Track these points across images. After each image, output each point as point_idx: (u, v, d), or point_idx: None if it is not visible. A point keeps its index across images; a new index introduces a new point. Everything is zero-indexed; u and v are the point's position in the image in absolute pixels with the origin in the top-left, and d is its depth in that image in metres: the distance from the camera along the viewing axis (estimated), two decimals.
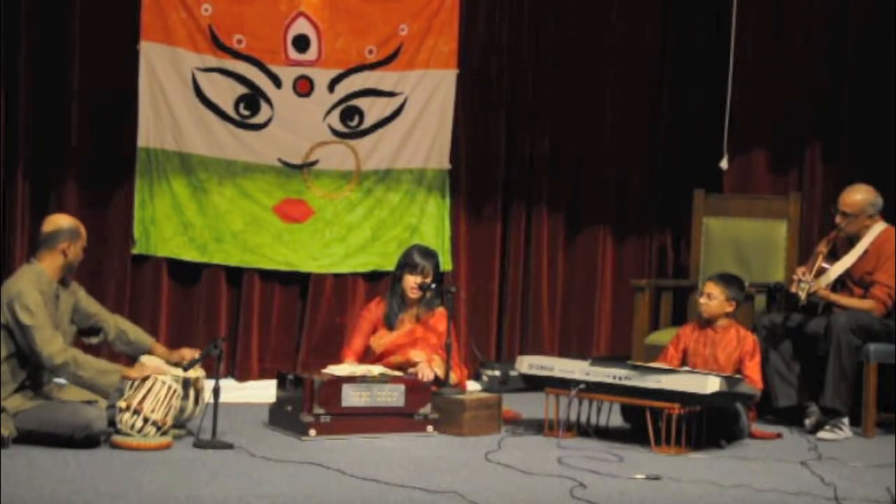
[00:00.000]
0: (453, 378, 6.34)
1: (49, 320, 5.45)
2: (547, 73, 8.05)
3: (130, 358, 5.94)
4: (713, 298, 6.37)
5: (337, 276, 7.69)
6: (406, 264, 6.51)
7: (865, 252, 6.69)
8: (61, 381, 5.67)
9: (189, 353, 5.83)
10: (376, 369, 6.16)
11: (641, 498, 4.91)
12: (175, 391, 5.55)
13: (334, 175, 7.67)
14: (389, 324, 6.50)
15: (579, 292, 8.20)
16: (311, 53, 7.55)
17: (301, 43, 7.53)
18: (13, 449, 5.26)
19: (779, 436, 6.35)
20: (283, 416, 6.03)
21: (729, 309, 6.40)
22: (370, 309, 6.62)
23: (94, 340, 5.88)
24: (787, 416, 6.65)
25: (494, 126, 7.97)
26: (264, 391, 6.80)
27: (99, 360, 5.59)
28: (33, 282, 5.48)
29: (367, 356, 6.48)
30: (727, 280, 6.45)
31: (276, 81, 7.51)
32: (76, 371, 5.43)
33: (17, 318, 5.40)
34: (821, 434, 6.36)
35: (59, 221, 5.66)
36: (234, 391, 7.01)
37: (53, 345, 5.40)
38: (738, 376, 6.04)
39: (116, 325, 5.84)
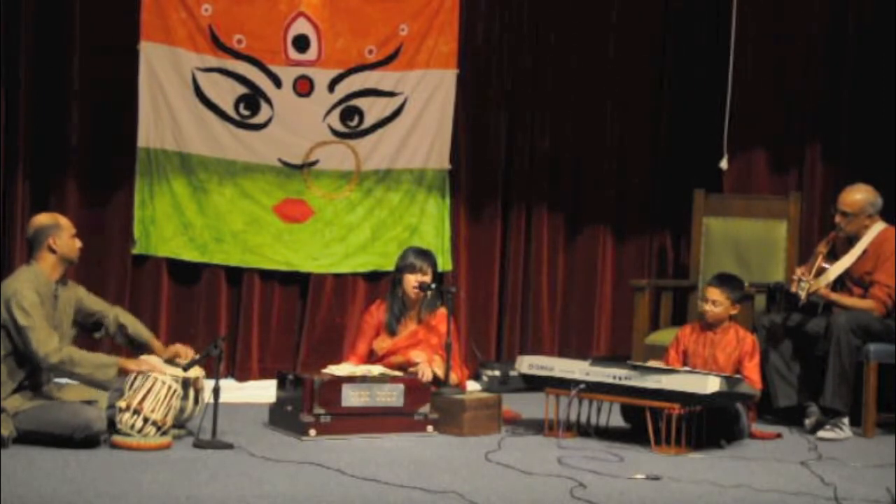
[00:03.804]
0: (453, 378, 6.34)
1: (45, 321, 5.45)
2: (547, 73, 8.05)
3: (131, 351, 5.94)
4: (718, 304, 6.36)
5: (337, 276, 7.69)
6: (404, 266, 6.51)
7: (865, 252, 6.69)
8: (61, 380, 5.67)
9: (183, 349, 5.82)
10: (376, 369, 6.16)
11: (641, 498, 4.91)
12: (175, 391, 5.55)
13: (334, 175, 7.67)
14: (391, 329, 6.50)
15: (579, 292, 8.19)
16: (311, 53, 7.55)
17: (301, 43, 7.53)
18: (13, 449, 5.26)
19: (779, 436, 6.35)
20: (283, 416, 6.03)
21: (734, 311, 6.40)
22: (371, 313, 6.61)
23: (96, 335, 5.89)
24: (787, 416, 6.65)
25: (494, 126, 7.97)
26: (264, 391, 6.80)
27: (95, 354, 5.59)
28: (30, 281, 5.48)
29: (370, 359, 6.48)
30: (729, 283, 6.43)
31: (276, 81, 7.51)
32: (73, 369, 5.44)
33: (13, 318, 5.40)
34: (821, 434, 6.37)
35: (37, 220, 5.66)
36: (234, 391, 7.01)
37: (49, 345, 5.40)
38: (737, 376, 6.04)
39: (117, 319, 5.83)
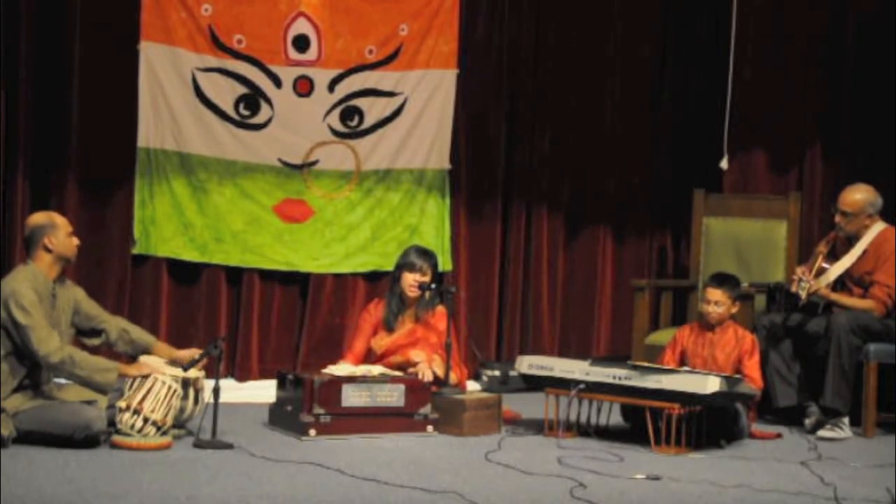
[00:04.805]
0: (453, 378, 6.34)
1: (45, 319, 5.45)
2: (547, 73, 8.05)
3: (131, 358, 5.94)
4: (721, 304, 6.36)
5: (337, 276, 7.69)
6: (404, 264, 6.52)
7: (865, 252, 6.69)
8: (61, 380, 5.67)
9: (191, 356, 5.81)
10: (376, 369, 6.16)
11: (641, 498, 4.91)
12: (175, 391, 5.55)
13: (334, 175, 7.67)
14: (389, 326, 6.50)
15: (579, 292, 8.20)
16: (311, 53, 7.55)
17: (301, 43, 7.53)
18: (13, 449, 5.26)
19: (779, 436, 6.35)
20: (283, 416, 6.03)
21: (734, 310, 6.41)
22: (369, 311, 6.62)
23: (95, 342, 5.86)
24: (787, 416, 6.65)
25: (494, 126, 7.97)
26: (264, 391, 6.80)
27: (96, 357, 5.58)
28: (28, 280, 5.48)
29: (366, 357, 6.48)
30: (728, 282, 6.44)
31: (276, 81, 7.51)
32: (73, 369, 5.43)
33: (12, 317, 5.40)
34: (821, 434, 6.37)
35: (33, 220, 5.65)
36: (234, 391, 7.01)
37: (50, 344, 5.40)
38: (737, 376, 6.04)
39: (118, 325, 5.83)
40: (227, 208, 7.49)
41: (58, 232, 5.59)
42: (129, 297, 7.32)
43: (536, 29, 8.01)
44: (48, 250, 5.56)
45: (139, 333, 5.87)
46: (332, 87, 7.59)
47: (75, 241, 5.67)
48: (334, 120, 7.64)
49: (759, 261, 7.56)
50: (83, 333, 5.82)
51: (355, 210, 7.71)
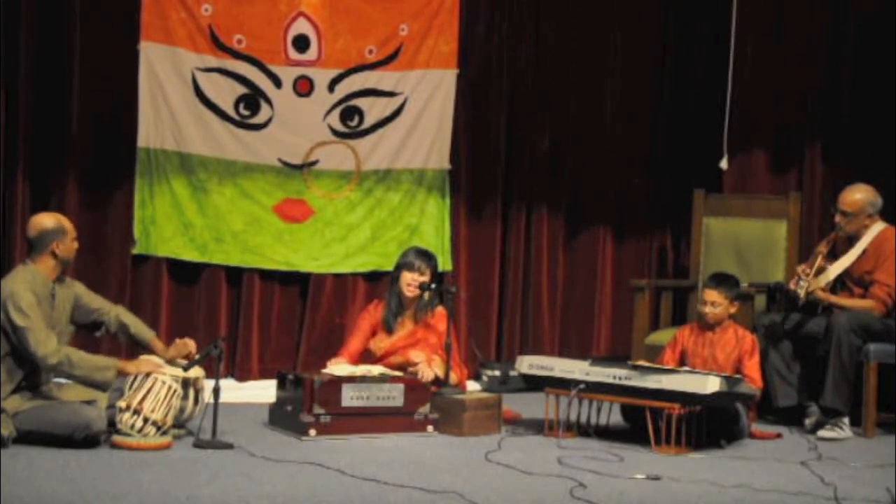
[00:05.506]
0: (453, 378, 6.34)
1: (43, 321, 5.44)
2: (547, 72, 8.05)
3: (129, 351, 5.93)
4: (718, 305, 6.36)
5: (337, 276, 7.69)
6: (403, 264, 6.52)
7: (864, 252, 6.69)
8: (61, 380, 5.67)
9: (183, 344, 5.81)
10: (376, 369, 6.16)
11: (641, 498, 4.91)
12: (175, 391, 5.55)
13: (334, 175, 7.67)
14: (388, 327, 6.50)
15: (579, 292, 8.20)
16: (311, 53, 7.55)
17: (301, 43, 7.53)
18: (13, 449, 5.26)
19: (779, 436, 6.35)
20: (283, 416, 6.03)
21: (733, 310, 6.41)
22: (369, 311, 6.62)
23: (96, 334, 5.88)
24: (787, 416, 6.65)
25: (494, 126, 7.97)
26: (264, 391, 6.81)
27: (94, 356, 5.58)
28: (27, 282, 5.47)
29: (365, 358, 6.47)
30: (726, 283, 6.44)
31: (276, 81, 7.51)
32: (71, 370, 5.43)
33: (10, 319, 5.40)
34: (821, 434, 6.37)
35: (43, 222, 5.61)
36: (234, 391, 7.01)
37: (47, 346, 5.40)
38: (737, 376, 6.04)
39: (118, 318, 5.82)
40: (227, 208, 7.49)
41: (66, 238, 5.60)
42: (129, 297, 7.31)
43: (536, 29, 8.01)
44: (55, 255, 5.56)
45: (138, 328, 5.85)
46: (332, 87, 7.59)
47: (76, 245, 5.68)
48: (334, 120, 7.64)
49: (759, 261, 7.56)
50: (84, 328, 5.82)
51: (355, 210, 7.71)
